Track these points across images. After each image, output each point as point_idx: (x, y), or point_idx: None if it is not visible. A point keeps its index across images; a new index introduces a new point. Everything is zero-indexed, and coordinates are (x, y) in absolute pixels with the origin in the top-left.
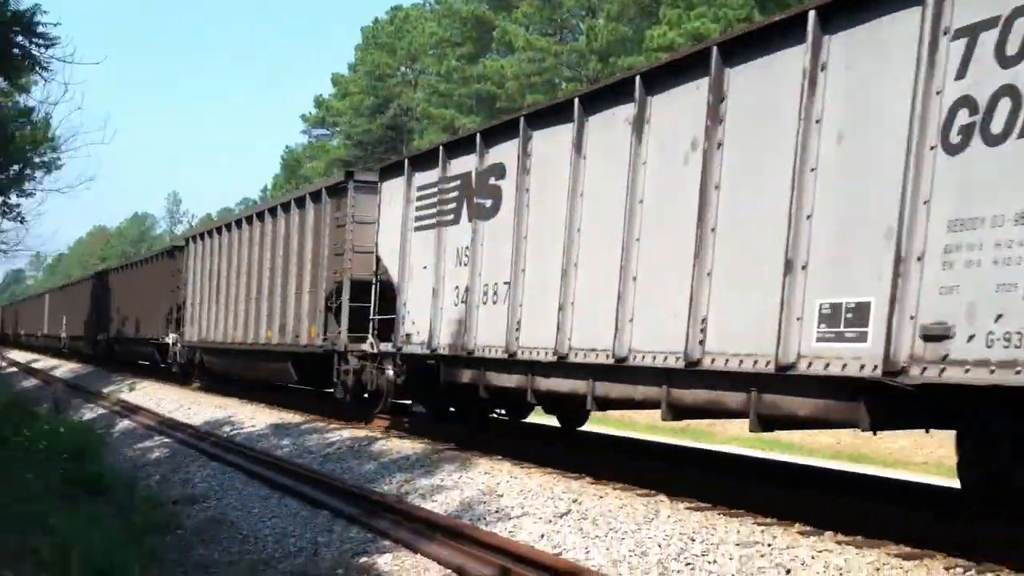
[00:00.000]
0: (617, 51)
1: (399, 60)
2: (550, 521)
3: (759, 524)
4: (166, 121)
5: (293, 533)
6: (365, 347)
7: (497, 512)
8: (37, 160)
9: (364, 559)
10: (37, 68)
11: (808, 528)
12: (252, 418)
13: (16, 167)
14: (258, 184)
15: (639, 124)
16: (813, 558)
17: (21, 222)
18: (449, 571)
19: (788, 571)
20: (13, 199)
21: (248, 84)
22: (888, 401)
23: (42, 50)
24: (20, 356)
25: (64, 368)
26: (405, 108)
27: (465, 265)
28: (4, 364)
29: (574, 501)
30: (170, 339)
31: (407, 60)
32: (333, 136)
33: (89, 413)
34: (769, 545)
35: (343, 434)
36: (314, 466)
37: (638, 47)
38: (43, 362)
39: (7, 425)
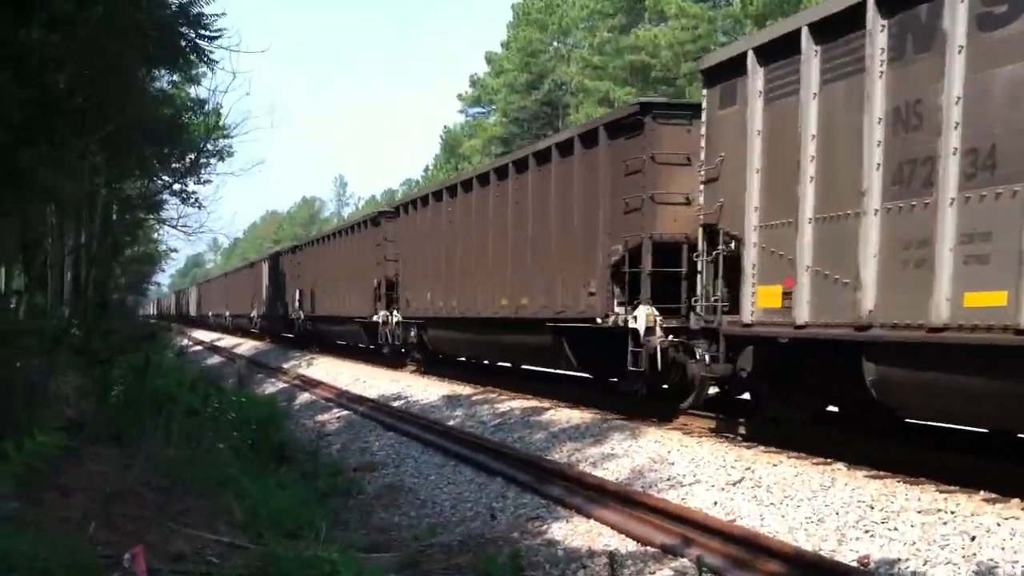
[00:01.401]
0: (774, 13)
1: (551, 35)
2: (723, 489)
3: (941, 492)
4: (328, 107)
5: (469, 499)
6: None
7: (668, 480)
8: (210, 148)
9: (538, 524)
10: (204, 60)
11: (993, 495)
12: (425, 390)
13: (191, 156)
14: (420, 165)
15: None
16: (999, 524)
17: (200, 207)
18: (622, 536)
19: (973, 538)
20: (191, 186)
21: (405, 63)
22: None
23: (207, 42)
24: (206, 336)
25: (246, 345)
26: (559, 83)
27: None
28: (191, 342)
29: (747, 469)
30: (380, 316)
31: (559, 34)
32: (489, 114)
33: (270, 387)
34: (952, 512)
35: (512, 404)
36: (486, 435)
37: (795, 9)
38: (226, 340)
39: (197, 398)
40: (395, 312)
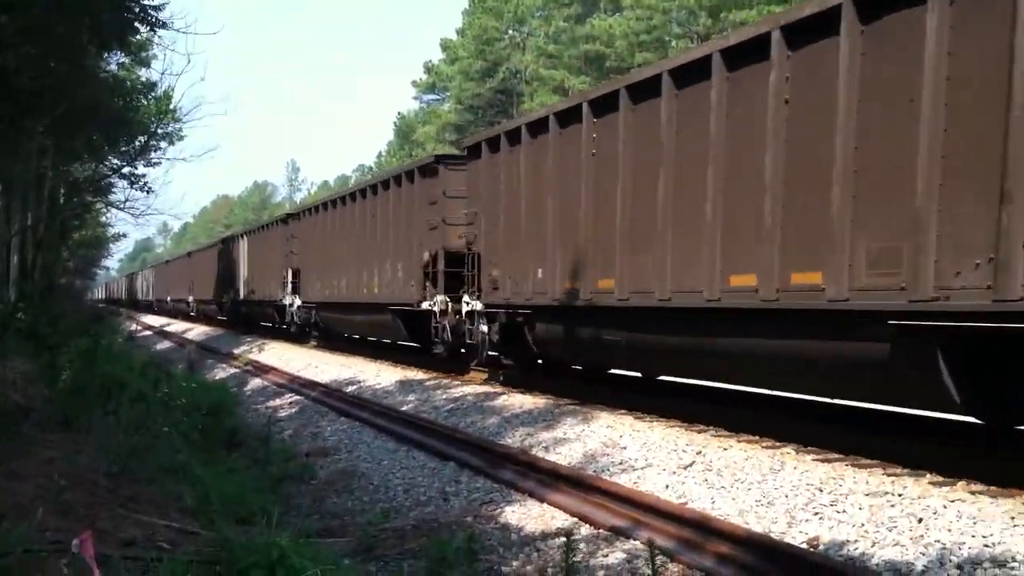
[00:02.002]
0: (728, 5)
1: (506, 23)
2: (674, 472)
3: (889, 475)
4: (283, 94)
5: (422, 484)
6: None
7: (621, 464)
8: (160, 132)
9: (491, 508)
10: (151, 26)
11: (940, 479)
12: (377, 375)
13: (141, 139)
14: (372, 151)
15: None
16: (945, 507)
17: (149, 191)
18: (576, 519)
19: (920, 520)
20: (140, 169)
21: (359, 52)
22: None
23: (155, 11)
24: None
25: (196, 331)
26: (514, 71)
27: None
28: (139, 327)
29: (698, 453)
30: (287, 300)
31: (514, 22)
32: (444, 101)
33: (221, 372)
34: (900, 495)
35: (465, 389)
36: (439, 420)
37: (750, 1)
38: (174, 326)
39: (146, 383)
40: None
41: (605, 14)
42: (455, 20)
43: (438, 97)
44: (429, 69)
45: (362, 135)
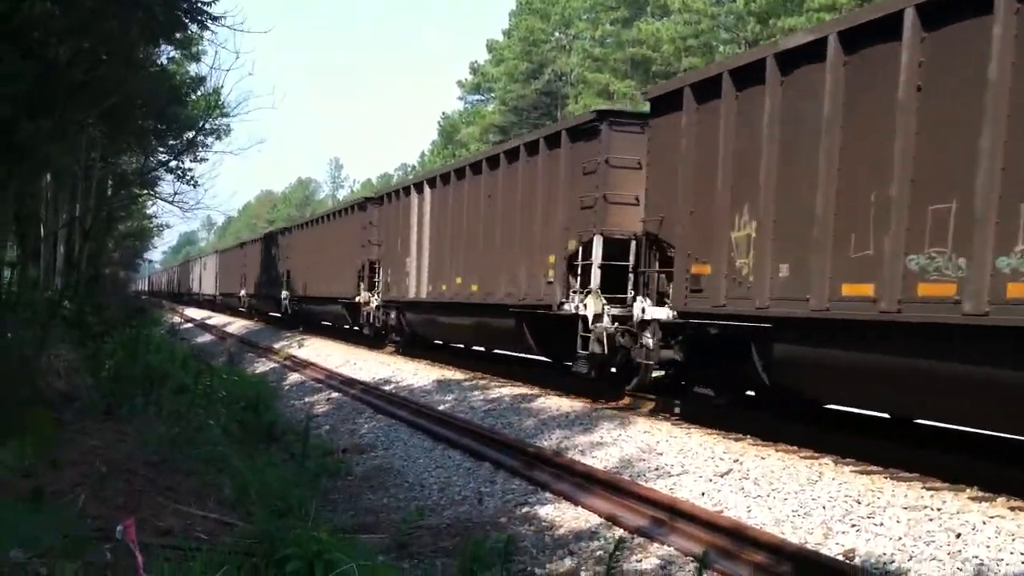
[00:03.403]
0: (776, 12)
1: (553, 25)
2: (711, 480)
3: (928, 488)
4: (328, 91)
5: (457, 483)
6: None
7: (657, 469)
8: (208, 127)
9: (526, 509)
10: (202, 24)
11: (980, 494)
12: (415, 374)
13: (189, 134)
14: (416, 150)
15: None
16: (984, 523)
17: (195, 186)
18: (610, 524)
19: (958, 535)
20: (187, 163)
21: (407, 49)
22: None
23: (208, 7)
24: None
25: (237, 324)
26: (560, 73)
27: None
28: (180, 320)
29: (735, 461)
30: (361, 298)
31: (561, 25)
32: (488, 102)
33: (261, 367)
34: (938, 509)
35: (503, 391)
36: (475, 420)
37: (799, 8)
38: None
39: (187, 375)
40: (376, 295)
41: (652, 18)
42: (503, 21)
43: (483, 98)
44: (475, 70)
45: (405, 135)
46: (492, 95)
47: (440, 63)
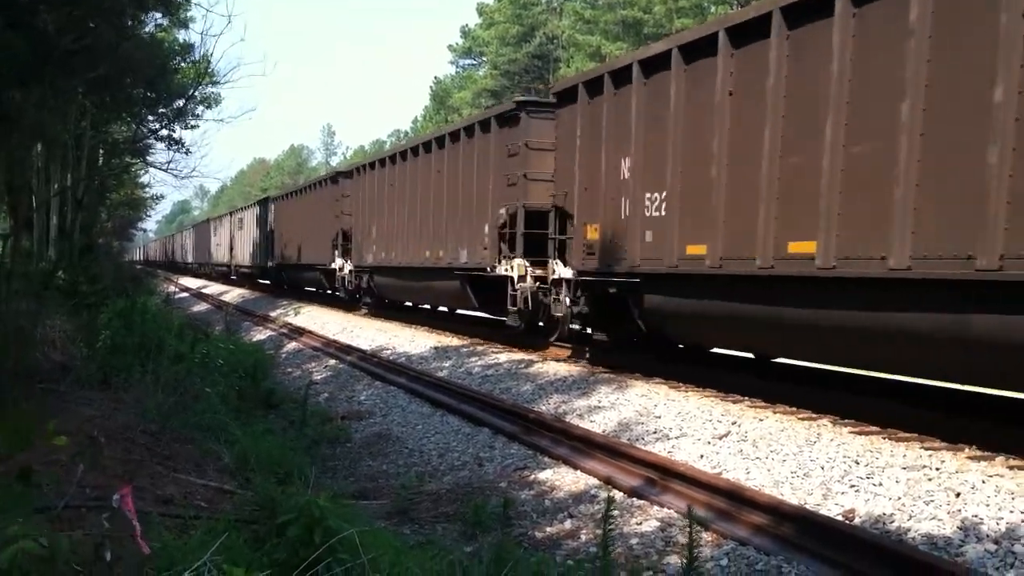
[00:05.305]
0: None
1: None
2: (709, 442)
3: (926, 448)
4: (320, 57)
5: (456, 448)
6: None
7: (655, 433)
8: (198, 95)
9: (525, 473)
10: None
11: (979, 453)
12: (412, 340)
13: (178, 102)
14: (409, 115)
15: None
16: (984, 482)
17: (187, 153)
18: (609, 487)
19: (957, 494)
20: (178, 132)
21: (396, 15)
22: None
23: None
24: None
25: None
26: (551, 36)
27: None
28: (175, 289)
29: (733, 423)
30: (336, 264)
31: None
32: (480, 66)
33: (258, 335)
34: (937, 469)
35: (500, 357)
36: (473, 386)
37: None
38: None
39: (185, 343)
40: (348, 261)
41: None
42: None
43: (474, 62)
44: (466, 33)
45: (398, 100)
46: (484, 59)
47: (432, 28)
